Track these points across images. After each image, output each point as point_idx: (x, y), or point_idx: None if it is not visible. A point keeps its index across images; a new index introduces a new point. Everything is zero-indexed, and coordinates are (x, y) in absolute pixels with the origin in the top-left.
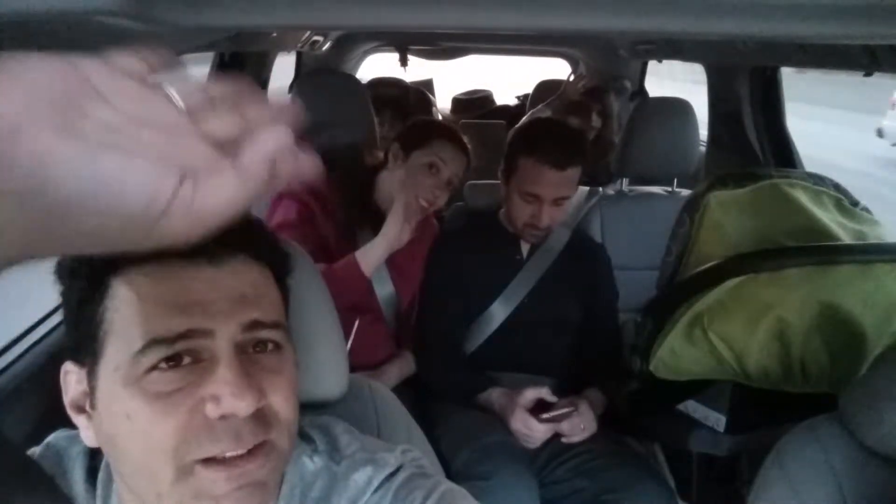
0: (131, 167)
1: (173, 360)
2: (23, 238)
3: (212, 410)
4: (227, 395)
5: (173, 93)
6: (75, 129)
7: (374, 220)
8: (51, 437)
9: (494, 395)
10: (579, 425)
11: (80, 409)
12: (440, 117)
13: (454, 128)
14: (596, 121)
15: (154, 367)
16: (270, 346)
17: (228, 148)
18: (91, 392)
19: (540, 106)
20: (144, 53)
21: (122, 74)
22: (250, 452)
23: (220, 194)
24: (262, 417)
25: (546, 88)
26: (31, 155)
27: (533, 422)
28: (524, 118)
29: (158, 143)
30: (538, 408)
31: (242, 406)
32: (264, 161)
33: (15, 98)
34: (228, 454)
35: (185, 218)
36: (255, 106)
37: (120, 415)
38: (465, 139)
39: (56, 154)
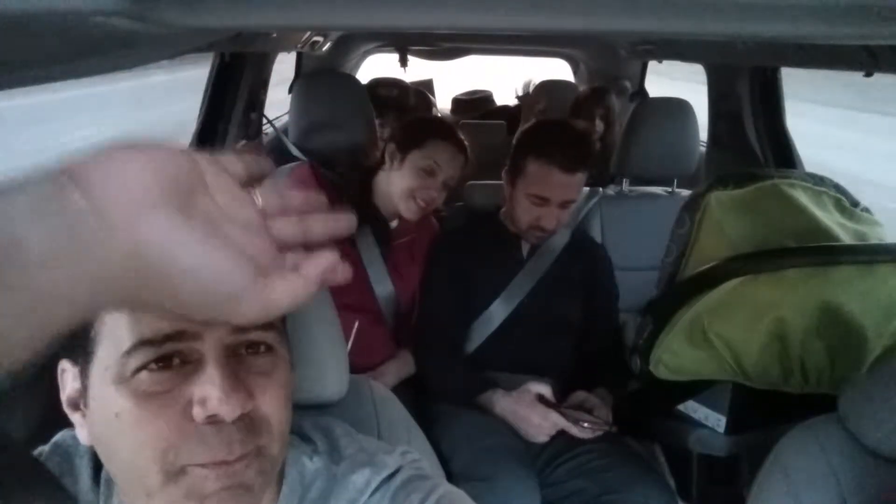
0: (226, 256)
1: (163, 362)
2: (123, 293)
3: (198, 413)
4: (212, 398)
5: (258, 194)
6: (189, 213)
7: (372, 222)
8: (58, 437)
9: (496, 398)
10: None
11: (76, 407)
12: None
13: (450, 126)
14: (599, 125)
15: (143, 368)
16: (262, 347)
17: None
18: (84, 390)
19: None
20: (244, 157)
21: (224, 171)
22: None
23: (285, 293)
24: (251, 424)
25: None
26: (159, 229)
27: (552, 413)
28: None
29: (239, 236)
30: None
31: (228, 409)
32: (321, 274)
33: (147, 179)
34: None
35: (255, 305)
36: (317, 217)
37: (109, 414)
38: (463, 137)
39: (176, 231)
